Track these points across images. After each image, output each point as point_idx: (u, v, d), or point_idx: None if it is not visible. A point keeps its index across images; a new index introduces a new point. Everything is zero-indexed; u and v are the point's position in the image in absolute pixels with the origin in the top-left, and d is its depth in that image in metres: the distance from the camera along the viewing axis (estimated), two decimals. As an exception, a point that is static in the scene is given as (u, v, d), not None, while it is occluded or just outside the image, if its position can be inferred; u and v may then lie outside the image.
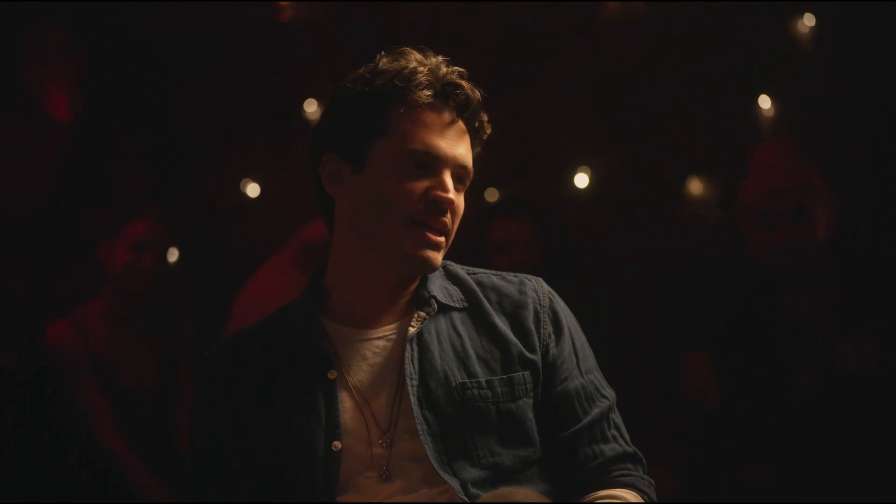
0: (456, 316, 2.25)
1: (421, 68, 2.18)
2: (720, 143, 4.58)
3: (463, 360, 2.20)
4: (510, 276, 2.33)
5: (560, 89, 4.71)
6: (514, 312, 2.27)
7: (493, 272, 2.34)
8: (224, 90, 4.80)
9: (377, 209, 2.16)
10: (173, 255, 4.37)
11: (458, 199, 2.21)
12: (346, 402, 2.17)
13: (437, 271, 2.28)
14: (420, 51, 2.23)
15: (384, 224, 2.16)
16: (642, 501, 2.20)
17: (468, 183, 2.24)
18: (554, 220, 4.52)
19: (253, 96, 4.76)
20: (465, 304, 2.27)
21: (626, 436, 2.28)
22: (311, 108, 4.81)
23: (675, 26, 4.65)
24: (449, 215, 2.18)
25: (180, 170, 4.79)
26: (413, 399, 2.15)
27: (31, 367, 4.17)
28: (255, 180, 4.71)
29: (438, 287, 2.26)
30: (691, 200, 4.81)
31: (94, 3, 4.64)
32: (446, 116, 2.19)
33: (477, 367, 2.20)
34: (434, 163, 2.17)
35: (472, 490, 2.11)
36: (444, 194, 2.16)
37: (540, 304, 2.28)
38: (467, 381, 2.18)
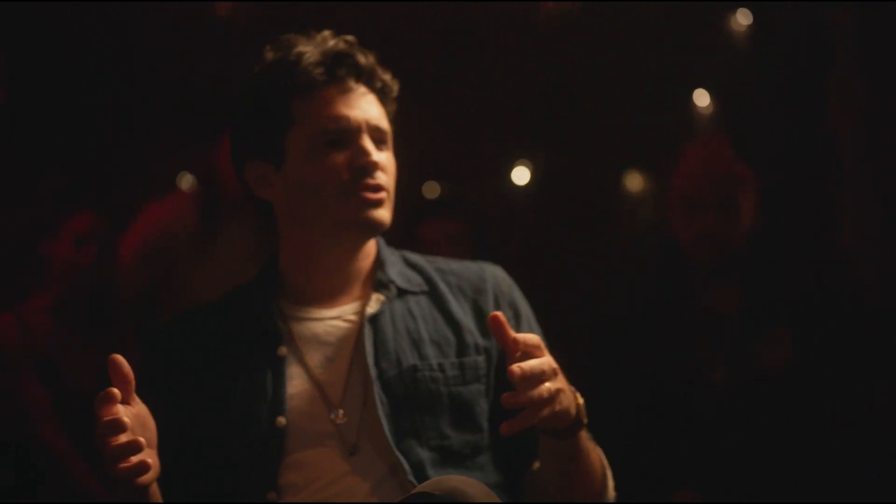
0: (413, 300, 2.26)
1: (306, 49, 2.21)
2: (658, 139, 4.61)
3: (416, 343, 2.22)
4: (469, 262, 2.36)
5: (498, 85, 4.73)
6: (473, 297, 2.29)
7: (453, 260, 2.38)
8: (160, 84, 4.78)
9: (309, 196, 2.18)
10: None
11: (384, 158, 2.22)
12: (295, 379, 2.17)
13: (397, 258, 2.31)
14: (304, 34, 2.26)
15: (320, 206, 2.18)
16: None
17: (390, 142, 2.26)
18: (486, 219, 4.53)
19: (189, 90, 4.74)
20: (424, 289, 2.29)
21: None
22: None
23: (613, 22, 4.68)
24: (379, 175, 2.20)
25: (119, 164, 4.76)
26: (373, 374, 2.16)
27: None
28: (192, 173, 4.69)
29: (397, 272, 2.28)
30: (628, 196, 4.85)
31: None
32: (346, 86, 2.21)
33: (429, 350, 2.22)
34: (347, 134, 2.19)
35: (420, 471, 2.13)
36: (365, 158, 2.18)
37: (499, 290, 2.30)
38: (418, 363, 2.20)
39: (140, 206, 4.40)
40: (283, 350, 2.19)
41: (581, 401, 2.08)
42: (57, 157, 4.72)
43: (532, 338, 1.97)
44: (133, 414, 1.94)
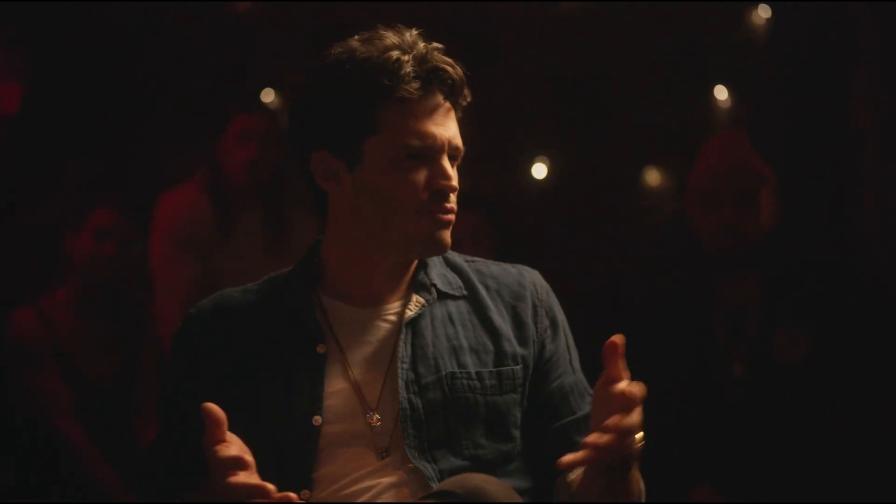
0: (453, 305, 2.24)
1: (404, 57, 2.13)
2: (676, 134, 4.61)
3: (455, 350, 2.19)
4: (508, 266, 2.32)
5: (517, 81, 4.73)
6: (512, 304, 2.26)
7: (491, 261, 2.33)
8: (182, 79, 4.79)
9: (381, 204, 2.14)
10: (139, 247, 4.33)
11: (456, 179, 2.19)
12: (333, 378, 2.16)
13: (437, 258, 2.27)
14: (392, 28, 2.18)
15: (392, 218, 2.14)
16: None
17: (461, 158, 2.20)
18: (505, 215, 4.53)
19: (210, 85, 4.75)
20: (464, 293, 2.26)
21: None
22: (269, 97, 4.80)
23: (632, 17, 4.67)
24: (453, 197, 2.17)
25: (141, 159, 4.77)
26: (400, 382, 2.14)
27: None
28: (201, 165, 4.68)
29: (438, 274, 2.25)
30: (647, 191, 4.84)
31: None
32: (435, 101, 2.14)
33: (468, 359, 2.19)
34: (430, 151, 2.13)
35: (449, 479, 2.07)
36: (446, 182, 2.14)
37: (538, 298, 2.27)
38: (457, 371, 2.18)
39: (154, 200, 4.41)
40: (323, 348, 2.17)
41: (641, 439, 2.02)
42: (76, 152, 4.73)
43: (638, 394, 1.98)
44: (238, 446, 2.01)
